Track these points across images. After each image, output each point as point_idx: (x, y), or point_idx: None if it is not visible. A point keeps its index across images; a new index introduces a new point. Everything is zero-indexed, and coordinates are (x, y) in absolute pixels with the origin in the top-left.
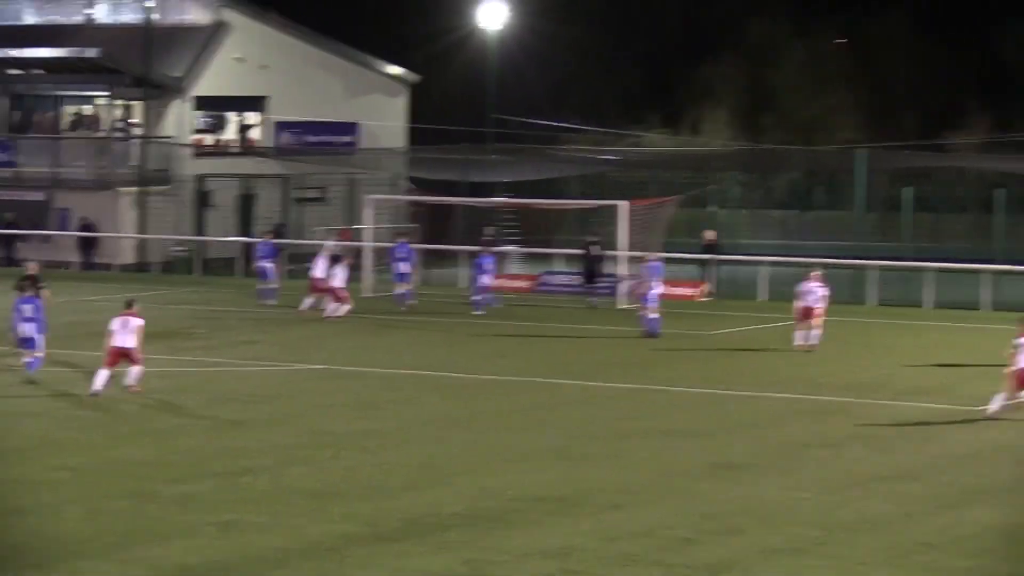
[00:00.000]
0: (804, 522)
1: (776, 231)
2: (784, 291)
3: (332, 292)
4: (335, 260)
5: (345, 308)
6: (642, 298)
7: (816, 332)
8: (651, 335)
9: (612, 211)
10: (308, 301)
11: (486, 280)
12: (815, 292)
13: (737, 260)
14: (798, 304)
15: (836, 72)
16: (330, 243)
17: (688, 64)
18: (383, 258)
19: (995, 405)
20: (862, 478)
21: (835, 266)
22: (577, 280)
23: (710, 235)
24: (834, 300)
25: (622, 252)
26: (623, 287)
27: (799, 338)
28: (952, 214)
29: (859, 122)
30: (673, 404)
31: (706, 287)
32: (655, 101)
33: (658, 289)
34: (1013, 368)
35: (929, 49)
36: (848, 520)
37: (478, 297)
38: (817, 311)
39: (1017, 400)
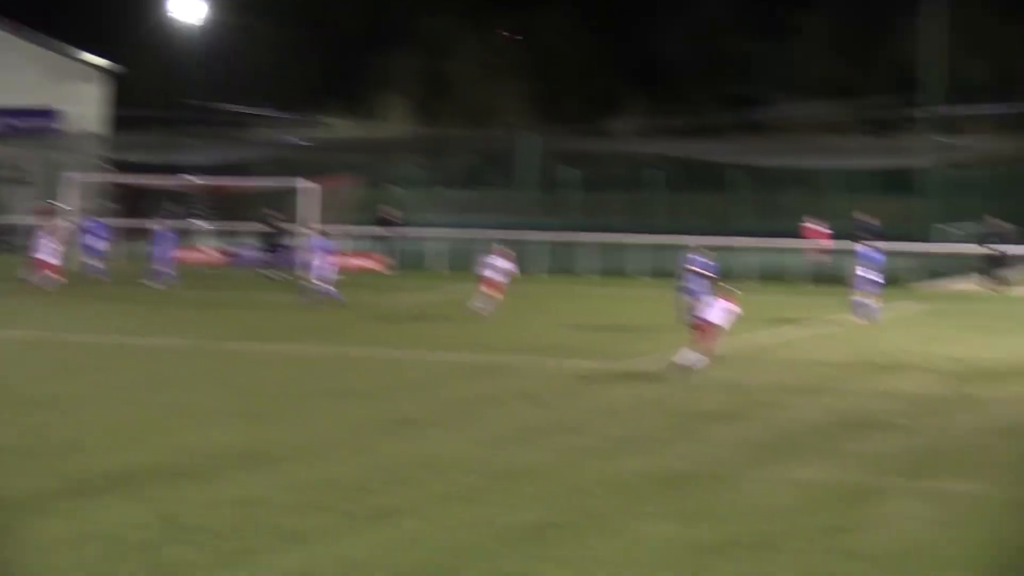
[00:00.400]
0: (470, 471)
1: (451, 208)
2: (458, 263)
3: (41, 265)
4: (50, 235)
5: (51, 280)
6: (312, 270)
7: (493, 301)
8: (323, 303)
9: (299, 190)
10: (34, 275)
11: (166, 253)
12: (499, 265)
13: (415, 235)
14: (482, 275)
15: (507, 62)
16: (63, 222)
17: (369, 55)
18: (80, 235)
19: (685, 357)
20: (524, 431)
21: (507, 240)
22: (263, 253)
23: (390, 212)
24: None
25: (307, 228)
26: (304, 260)
27: (478, 303)
28: (610, 191)
29: (528, 108)
30: (353, 366)
31: (386, 260)
32: (339, 90)
33: (328, 261)
34: (696, 321)
35: (591, 42)
36: (510, 469)
37: (160, 269)
38: (499, 282)
39: (698, 349)
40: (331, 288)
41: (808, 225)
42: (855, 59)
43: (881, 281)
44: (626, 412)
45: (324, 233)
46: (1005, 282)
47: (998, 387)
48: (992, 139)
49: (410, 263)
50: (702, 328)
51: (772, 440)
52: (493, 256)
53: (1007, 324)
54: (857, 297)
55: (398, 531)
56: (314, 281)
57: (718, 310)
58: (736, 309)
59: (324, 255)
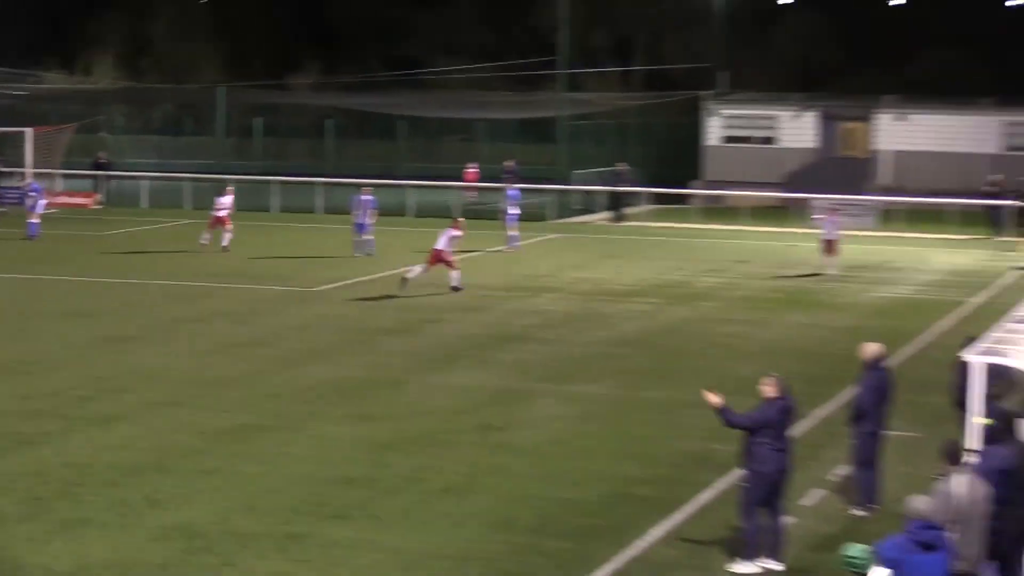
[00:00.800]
0: (180, 380)
1: (154, 152)
2: (162, 200)
3: None
4: None
5: None
6: (30, 208)
7: (228, 235)
8: (31, 238)
9: (20, 137)
10: None
11: None
12: (225, 204)
13: (123, 176)
14: (214, 213)
15: (201, 25)
16: None
17: (80, 16)
18: None
19: (413, 273)
20: (224, 345)
21: (201, 180)
22: None
23: (101, 155)
24: (192, 204)
25: (28, 170)
26: (28, 200)
27: (205, 239)
28: (293, 139)
29: (220, 65)
30: (72, 291)
31: (98, 197)
32: (55, 47)
33: (42, 201)
34: (433, 248)
35: (274, 7)
36: (214, 378)
37: None
38: (227, 218)
39: (428, 271)
40: (38, 223)
41: (469, 169)
42: (500, 26)
43: (519, 214)
44: (312, 329)
45: (39, 175)
46: (625, 217)
47: (621, 305)
48: (613, 95)
49: (118, 200)
50: (437, 255)
51: (436, 351)
52: (223, 196)
53: (627, 251)
54: (510, 232)
55: (115, 434)
56: (34, 217)
57: (445, 238)
58: (459, 233)
59: (40, 194)
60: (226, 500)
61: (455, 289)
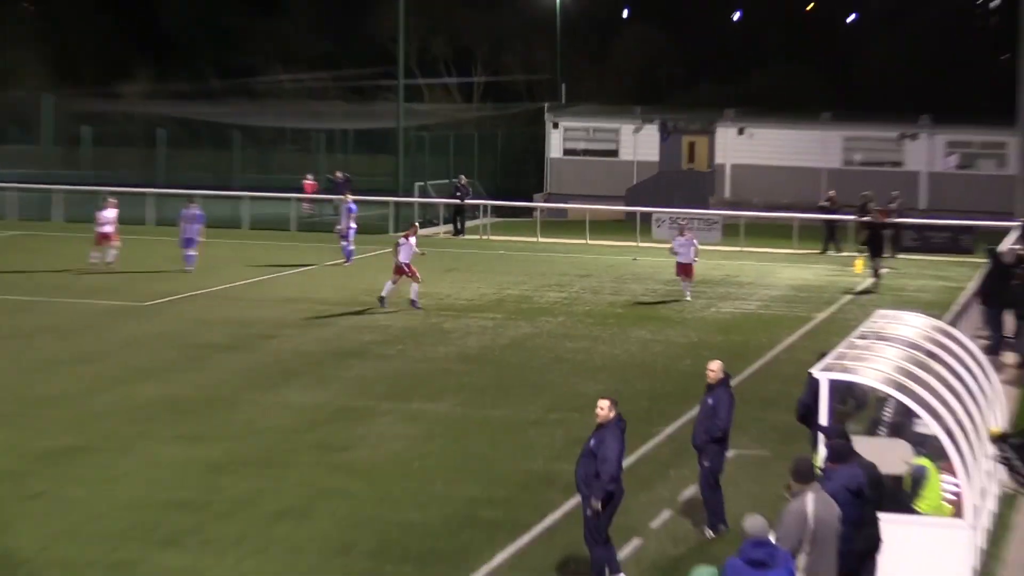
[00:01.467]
0: (0, 400)
1: None
2: None
3: None
4: None
5: None
6: None
7: (113, 251)
8: None
9: None
10: None
11: None
12: (108, 218)
13: None
14: (99, 229)
15: (26, 32)
16: None
17: None
18: None
19: (386, 289)
20: (48, 362)
21: (25, 190)
22: None
23: None
24: (19, 215)
25: None
26: None
27: (94, 257)
28: (123, 148)
29: (47, 73)
30: None
31: None
32: None
33: None
34: (396, 261)
35: (103, 16)
36: (39, 396)
37: None
38: (114, 234)
39: (397, 283)
40: None
41: (306, 181)
42: (337, 35)
43: (356, 228)
44: (142, 345)
45: None
46: (465, 230)
47: (462, 320)
48: (453, 106)
49: None
50: (401, 269)
51: (272, 368)
52: (106, 210)
53: (468, 265)
54: (346, 244)
55: None
56: None
57: (406, 250)
58: (407, 242)
59: None
60: (50, 526)
61: (413, 303)
